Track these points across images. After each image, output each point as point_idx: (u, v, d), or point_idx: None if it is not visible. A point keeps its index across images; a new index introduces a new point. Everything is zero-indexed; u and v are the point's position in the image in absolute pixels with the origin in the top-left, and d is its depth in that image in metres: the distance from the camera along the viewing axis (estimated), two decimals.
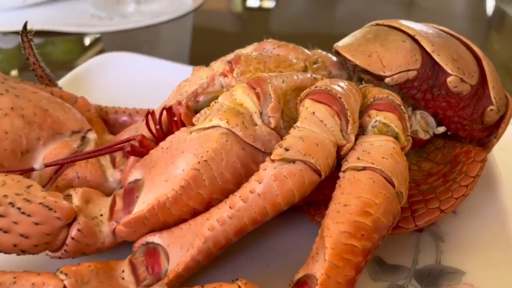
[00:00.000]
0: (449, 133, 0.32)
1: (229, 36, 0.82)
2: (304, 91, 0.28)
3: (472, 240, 0.31)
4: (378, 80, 0.31)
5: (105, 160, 0.32)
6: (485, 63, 0.31)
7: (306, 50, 0.36)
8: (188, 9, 0.83)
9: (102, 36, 0.73)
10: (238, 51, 0.35)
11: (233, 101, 0.28)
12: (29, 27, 0.38)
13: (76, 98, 0.37)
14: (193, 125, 0.29)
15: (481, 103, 0.31)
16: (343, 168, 0.26)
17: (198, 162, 0.26)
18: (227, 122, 0.26)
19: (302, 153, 0.25)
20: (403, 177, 0.26)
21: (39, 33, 0.70)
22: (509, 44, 0.81)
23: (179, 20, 0.80)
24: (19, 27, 0.38)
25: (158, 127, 0.30)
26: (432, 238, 0.32)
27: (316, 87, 0.27)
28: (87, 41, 0.73)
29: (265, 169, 0.25)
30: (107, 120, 0.39)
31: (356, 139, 0.27)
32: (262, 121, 0.27)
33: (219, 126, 0.26)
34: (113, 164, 0.32)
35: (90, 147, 0.33)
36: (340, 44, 0.33)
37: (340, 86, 0.28)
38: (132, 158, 0.31)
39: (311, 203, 0.32)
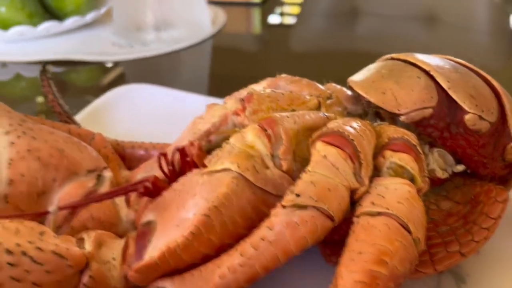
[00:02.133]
0: (468, 171, 0.31)
1: (249, 56, 0.82)
2: (315, 133, 0.27)
3: (496, 283, 0.30)
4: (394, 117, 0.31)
5: (120, 199, 0.32)
6: (505, 99, 0.30)
7: (320, 86, 0.35)
8: (208, 34, 0.83)
9: (124, 64, 0.74)
10: (251, 87, 0.35)
11: (244, 143, 0.27)
12: (52, 57, 0.38)
13: (93, 135, 0.37)
14: (205, 166, 0.29)
15: (501, 140, 0.30)
16: (357, 213, 0.26)
17: (209, 208, 0.25)
18: (238, 166, 0.26)
19: (314, 199, 0.24)
20: (420, 222, 0.25)
21: (62, 63, 0.73)
22: None
23: (199, 46, 0.81)
24: (44, 56, 0.38)
25: (170, 167, 0.30)
26: (454, 279, 0.31)
27: (327, 128, 0.27)
28: (109, 69, 0.74)
29: (277, 215, 0.25)
30: (124, 155, 0.39)
31: (371, 181, 0.27)
32: (274, 164, 0.27)
33: (230, 170, 0.26)
34: (128, 203, 0.32)
35: (105, 185, 0.33)
36: (354, 79, 0.33)
37: (353, 127, 0.27)
38: (145, 198, 0.31)
39: (326, 242, 0.31)
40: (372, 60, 0.35)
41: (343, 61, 0.79)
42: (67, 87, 0.71)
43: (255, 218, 0.26)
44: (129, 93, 0.49)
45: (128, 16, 0.79)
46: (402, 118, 0.29)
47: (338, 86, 0.37)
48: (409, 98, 0.29)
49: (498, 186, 0.29)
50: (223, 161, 0.27)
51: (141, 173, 0.36)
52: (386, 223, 0.24)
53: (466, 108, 0.29)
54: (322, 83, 0.36)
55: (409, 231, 0.24)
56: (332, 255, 0.31)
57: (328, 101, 0.34)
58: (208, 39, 0.83)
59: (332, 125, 0.27)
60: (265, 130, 0.28)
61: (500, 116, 0.30)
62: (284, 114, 0.29)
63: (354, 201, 0.26)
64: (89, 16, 0.82)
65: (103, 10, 0.85)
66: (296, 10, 1.06)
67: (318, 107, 0.33)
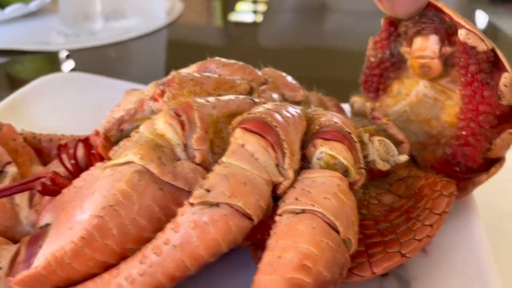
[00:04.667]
0: (447, 150, 0.28)
1: (209, 50, 0.78)
2: (236, 119, 0.24)
3: (443, 285, 0.27)
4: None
5: (21, 198, 0.28)
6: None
7: (256, 70, 0.32)
8: (161, 23, 0.79)
9: (71, 54, 0.69)
10: (176, 71, 0.31)
11: (153, 132, 0.24)
12: None
13: (1, 126, 0.33)
14: (110, 159, 0.25)
15: (503, 124, 0.28)
16: (279, 211, 0.22)
17: (103, 207, 0.21)
18: (141, 157, 0.22)
19: (227, 195, 0.21)
20: (351, 220, 0.22)
21: (4, 52, 0.68)
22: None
23: (152, 36, 0.77)
24: None
25: (73, 161, 0.26)
26: (398, 284, 0.27)
27: (249, 114, 0.23)
28: (57, 59, 0.69)
29: (183, 214, 0.21)
30: (40, 149, 0.35)
31: (300, 173, 0.23)
32: (187, 155, 0.23)
33: (133, 163, 0.22)
34: (30, 202, 0.28)
35: (5, 182, 0.29)
36: None
37: (279, 112, 0.23)
38: (47, 197, 0.27)
39: (257, 244, 0.28)
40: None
41: (311, 57, 0.76)
42: (11, 78, 0.66)
43: (166, 219, 0.23)
44: (57, 82, 0.45)
45: (75, 4, 0.74)
46: (461, 31, 0.27)
47: (278, 72, 0.33)
48: (475, 27, 0.27)
49: (444, 179, 0.26)
50: (127, 152, 0.23)
51: (53, 168, 0.31)
52: (311, 222, 0.21)
53: (508, 69, 0.27)
54: (260, 69, 0.32)
55: (337, 231, 0.21)
56: None
57: (262, 87, 0.30)
58: (163, 29, 0.79)
59: (255, 109, 0.24)
60: (179, 116, 0.24)
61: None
62: (204, 98, 0.25)
63: (278, 196, 0.23)
64: (33, 4, 0.77)
65: None
66: (263, 6, 1.02)
67: (249, 93, 0.29)
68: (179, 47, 0.78)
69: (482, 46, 0.26)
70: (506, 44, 0.81)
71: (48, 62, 0.69)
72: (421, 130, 0.30)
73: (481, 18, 0.96)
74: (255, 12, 0.97)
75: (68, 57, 0.68)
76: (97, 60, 0.70)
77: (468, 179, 0.29)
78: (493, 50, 0.27)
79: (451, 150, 0.28)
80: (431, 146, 0.30)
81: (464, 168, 0.28)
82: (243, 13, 0.96)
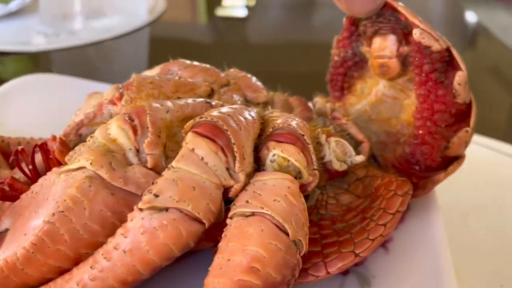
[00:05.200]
0: (406, 149, 0.29)
1: (194, 48, 0.78)
2: (188, 123, 0.24)
3: (402, 283, 0.27)
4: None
5: None
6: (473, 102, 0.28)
7: (219, 71, 0.32)
8: (143, 22, 0.79)
9: (51, 55, 0.69)
10: (136, 75, 0.31)
11: (106, 136, 0.24)
12: None
13: None
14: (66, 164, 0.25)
15: (459, 124, 0.28)
16: (230, 214, 0.22)
17: (53, 213, 0.21)
18: (91, 163, 0.22)
19: (175, 199, 0.21)
20: (300, 222, 0.22)
21: None
22: (484, 56, 0.78)
23: (134, 35, 0.76)
24: None
25: (30, 167, 0.26)
26: (358, 282, 0.28)
27: (201, 117, 0.23)
28: (36, 59, 0.69)
29: (132, 220, 0.21)
30: (9, 153, 0.35)
31: (252, 176, 0.24)
32: (139, 160, 0.23)
33: (85, 168, 0.23)
34: None
35: None
36: None
37: (231, 115, 0.24)
38: (7, 203, 0.27)
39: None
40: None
41: (299, 52, 0.76)
42: None
43: (119, 223, 0.23)
44: (29, 84, 0.44)
45: (55, 3, 0.74)
46: (415, 31, 0.27)
47: (242, 73, 0.34)
48: (430, 27, 0.28)
49: (400, 178, 0.27)
50: (80, 157, 0.23)
51: (19, 172, 0.32)
52: (260, 225, 0.21)
53: (462, 67, 0.27)
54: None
55: (286, 233, 0.21)
56: None
57: (224, 89, 0.30)
58: (145, 27, 0.79)
59: (207, 113, 0.24)
60: (132, 121, 0.24)
61: (469, 105, 0.28)
62: (160, 102, 0.25)
63: (231, 199, 0.23)
64: (13, 4, 0.76)
65: None
66: (250, 1, 1.02)
67: (210, 95, 0.29)
68: (162, 45, 0.78)
69: (436, 45, 0.27)
70: (494, 40, 0.81)
71: (30, 62, 0.69)
72: (382, 129, 0.30)
73: (468, 14, 0.96)
74: (242, 6, 0.96)
75: (44, 56, 0.68)
76: (78, 60, 0.69)
77: (428, 178, 0.29)
78: (448, 49, 0.27)
79: (410, 149, 0.29)
80: (391, 145, 0.30)
81: (424, 167, 0.29)
82: (230, 8, 0.95)
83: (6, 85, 0.44)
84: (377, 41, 0.29)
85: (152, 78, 0.28)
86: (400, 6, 0.28)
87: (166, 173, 0.22)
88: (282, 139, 0.24)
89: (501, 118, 0.60)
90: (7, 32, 0.73)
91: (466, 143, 0.28)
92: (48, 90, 0.46)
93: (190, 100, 0.26)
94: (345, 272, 0.28)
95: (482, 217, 0.36)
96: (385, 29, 0.29)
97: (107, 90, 0.30)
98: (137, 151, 0.23)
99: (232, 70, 0.33)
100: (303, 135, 0.24)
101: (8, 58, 0.68)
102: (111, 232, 0.23)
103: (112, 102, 0.28)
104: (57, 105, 0.44)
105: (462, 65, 0.27)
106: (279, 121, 0.25)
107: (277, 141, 0.24)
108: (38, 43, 0.70)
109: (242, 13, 0.92)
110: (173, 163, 0.22)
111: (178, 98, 0.28)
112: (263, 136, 0.25)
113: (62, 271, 0.23)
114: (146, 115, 0.24)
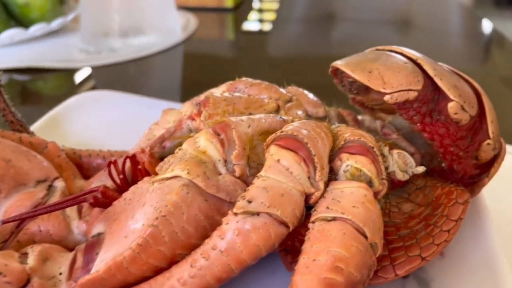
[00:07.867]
0: (443, 164, 0.31)
1: (223, 62, 0.81)
2: (270, 137, 0.26)
3: (460, 287, 0.29)
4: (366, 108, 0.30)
5: (71, 210, 0.31)
6: (484, 99, 0.30)
7: (281, 89, 0.34)
8: (178, 39, 0.82)
9: (93, 71, 0.73)
10: (209, 92, 0.34)
11: (196, 149, 0.26)
12: (17, 64, 0.37)
13: (46, 143, 0.36)
14: (156, 174, 0.28)
15: (478, 136, 0.30)
16: (312, 218, 0.25)
17: (157, 217, 0.24)
18: (187, 172, 0.25)
19: (266, 205, 0.23)
20: (377, 226, 0.24)
21: (28, 70, 0.71)
22: (506, 63, 0.79)
23: (170, 51, 0.80)
24: (8, 64, 0.37)
25: (121, 176, 0.29)
26: (417, 284, 0.30)
27: (282, 132, 0.26)
28: (78, 76, 0.72)
29: (228, 223, 0.24)
30: (81, 164, 0.38)
31: (328, 184, 0.26)
32: (227, 170, 0.26)
33: (180, 177, 0.25)
34: (79, 213, 0.31)
35: (56, 196, 0.32)
36: (339, 62, 0.32)
37: (308, 129, 0.26)
38: (96, 208, 0.29)
39: (288, 250, 0.30)
40: None
41: (319, 66, 0.79)
42: (34, 95, 0.69)
43: (209, 227, 0.25)
44: (89, 100, 0.48)
45: (95, 22, 0.78)
46: (386, 97, 0.29)
47: (300, 89, 0.36)
48: (395, 79, 0.28)
49: (459, 188, 0.29)
50: (173, 168, 0.26)
51: (96, 182, 0.34)
52: (341, 228, 0.23)
53: (451, 96, 0.28)
54: (284, 87, 0.35)
55: (365, 236, 0.24)
56: (293, 263, 0.30)
57: (288, 104, 0.33)
58: (179, 44, 0.82)
59: (286, 128, 0.26)
60: (218, 135, 0.27)
61: (479, 114, 0.30)
62: (239, 118, 0.28)
63: (310, 206, 0.25)
64: (55, 23, 0.80)
65: (70, 17, 0.83)
66: (271, 16, 1.05)
67: (277, 110, 0.32)
68: (194, 60, 0.81)
69: (411, 94, 0.28)
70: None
71: (69, 78, 0.72)
72: (424, 141, 0.33)
73: (485, 23, 0.98)
74: (263, 21, 1.00)
75: (86, 73, 0.71)
76: (118, 76, 0.73)
77: (474, 183, 0.31)
78: (430, 79, 0.29)
79: (446, 164, 0.31)
80: (436, 156, 0.32)
81: (466, 177, 0.31)
82: (253, 23, 0.99)
83: (68, 101, 0.48)
84: None
85: (225, 96, 0.31)
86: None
87: (256, 182, 0.24)
88: (354, 151, 0.26)
89: None
90: (49, 50, 0.77)
91: (494, 149, 0.30)
92: (105, 105, 0.49)
93: (263, 115, 0.29)
94: (405, 276, 0.30)
95: None
96: None
97: (182, 106, 0.33)
98: (225, 161, 0.26)
99: (291, 87, 0.36)
100: (373, 148, 0.27)
101: (49, 75, 0.71)
102: (203, 235, 0.25)
103: (191, 118, 0.30)
104: (110, 118, 0.47)
105: (449, 93, 0.28)
106: (347, 134, 0.28)
107: (349, 153, 0.26)
108: (80, 59, 0.74)
109: (266, 27, 0.95)
110: (262, 173, 0.25)
111: (250, 113, 0.31)
112: (334, 148, 0.27)
113: (158, 270, 0.25)
114: (231, 130, 0.26)
